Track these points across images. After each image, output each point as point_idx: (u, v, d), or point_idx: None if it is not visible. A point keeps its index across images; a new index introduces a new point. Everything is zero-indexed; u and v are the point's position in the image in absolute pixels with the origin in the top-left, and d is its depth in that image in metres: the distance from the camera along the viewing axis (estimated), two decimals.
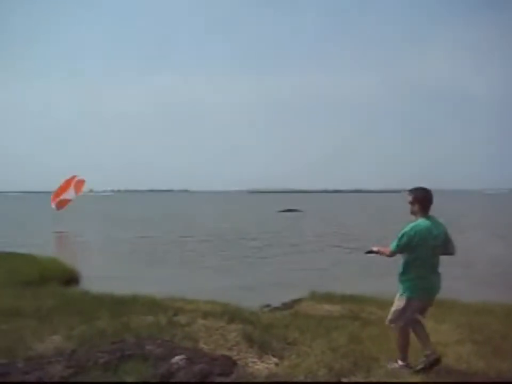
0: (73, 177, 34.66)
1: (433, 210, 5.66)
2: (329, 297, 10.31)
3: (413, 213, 5.61)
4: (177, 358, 5.59)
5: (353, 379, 5.37)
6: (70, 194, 34.06)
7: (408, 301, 5.51)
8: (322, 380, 5.37)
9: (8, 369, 5.28)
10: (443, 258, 5.64)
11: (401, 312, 5.56)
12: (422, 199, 5.57)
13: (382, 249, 5.76)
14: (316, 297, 10.44)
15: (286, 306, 10.18)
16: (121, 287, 10.54)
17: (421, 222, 5.51)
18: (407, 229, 5.49)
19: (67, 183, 34.34)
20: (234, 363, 5.75)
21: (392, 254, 5.64)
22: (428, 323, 6.26)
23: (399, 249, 5.53)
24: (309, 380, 5.34)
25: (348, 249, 23.16)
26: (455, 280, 14.96)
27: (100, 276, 15.24)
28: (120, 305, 8.63)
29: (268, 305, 10.57)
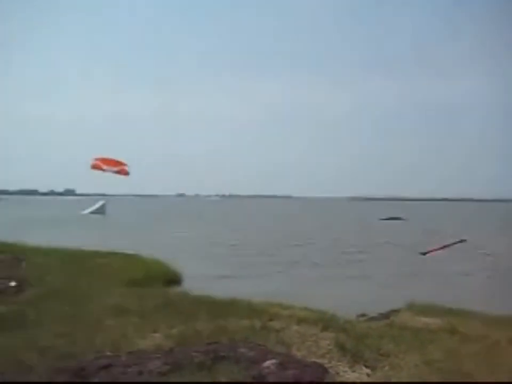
0: (123, 164, 40.63)
1: None
2: (428, 309, 9.97)
3: None
4: (268, 362, 5.70)
5: None
6: (110, 169, 39.82)
7: None
8: None
9: (111, 361, 5.66)
10: None
11: None
12: None
13: None
14: (415, 308, 10.14)
15: (383, 316, 9.97)
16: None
17: None
18: None
19: (117, 163, 40.42)
20: (325, 371, 5.77)
21: None
22: None
23: None
24: None
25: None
26: None
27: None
28: (218, 307, 8.89)
29: (364, 315, 10.44)
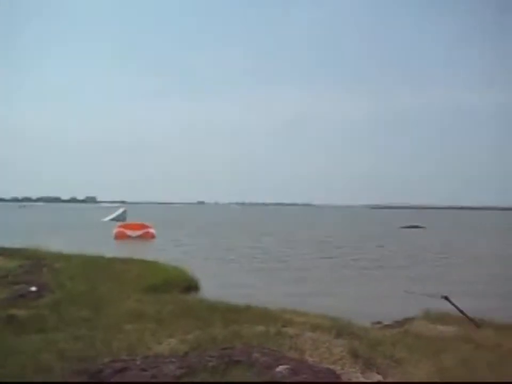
0: (147, 227, 40.25)
1: None
2: (443, 318, 9.94)
3: None
4: (281, 368, 5.77)
5: None
6: (134, 233, 38.80)
7: None
8: None
9: (127, 364, 5.79)
10: None
11: None
12: None
13: None
14: (430, 316, 10.11)
15: (398, 324, 9.98)
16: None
17: None
18: None
19: (140, 226, 40.29)
20: (337, 377, 5.83)
21: None
22: None
23: None
24: None
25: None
26: None
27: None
28: (233, 313, 9.01)
29: (379, 322, 10.45)
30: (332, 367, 6.12)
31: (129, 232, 38.97)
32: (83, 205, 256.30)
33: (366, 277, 20.91)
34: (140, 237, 38.32)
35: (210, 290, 14.18)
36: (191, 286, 15.02)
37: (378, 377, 5.93)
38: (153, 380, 5.43)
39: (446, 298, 6.01)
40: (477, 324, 6.20)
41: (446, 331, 8.82)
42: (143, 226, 40.49)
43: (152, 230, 39.75)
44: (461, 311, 5.80)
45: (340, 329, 7.72)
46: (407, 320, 10.10)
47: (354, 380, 5.85)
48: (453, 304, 5.73)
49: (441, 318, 9.98)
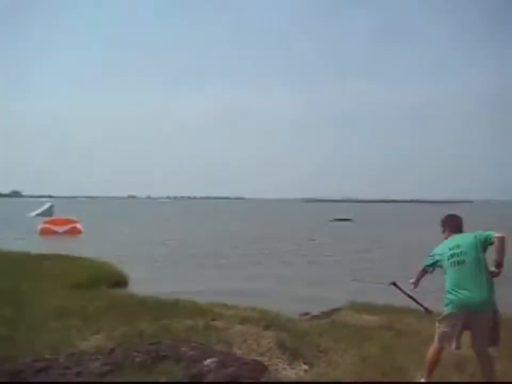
0: (74, 222, 39.27)
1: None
2: (368, 308, 10.29)
3: (445, 238, 5.62)
4: (209, 361, 5.78)
5: None
6: (60, 229, 37.75)
7: (442, 314, 5.33)
8: None
9: (50, 363, 5.63)
10: None
11: (438, 328, 5.36)
12: (447, 224, 5.65)
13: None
14: (356, 307, 10.44)
15: (325, 315, 10.22)
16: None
17: (445, 240, 5.55)
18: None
19: (66, 221, 39.16)
20: (264, 368, 5.90)
21: (422, 272, 5.71)
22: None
23: (427, 266, 5.59)
24: None
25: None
26: None
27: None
28: (162, 308, 8.92)
29: (307, 313, 10.65)
30: (259, 358, 6.20)
31: (55, 228, 37.78)
32: (7, 199, 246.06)
33: (296, 268, 21.26)
34: (66, 232, 37.19)
35: (139, 285, 14.01)
36: (119, 281, 14.74)
37: (305, 367, 6.07)
38: (76, 378, 5.30)
39: (394, 284, 6.20)
40: (428, 310, 6.41)
41: (371, 320, 9.14)
42: (69, 221, 39.38)
43: (78, 225, 38.76)
44: (410, 297, 6.01)
45: (268, 321, 7.81)
46: (334, 311, 10.36)
47: (281, 370, 5.96)
48: (402, 290, 5.94)
49: (367, 308, 10.33)
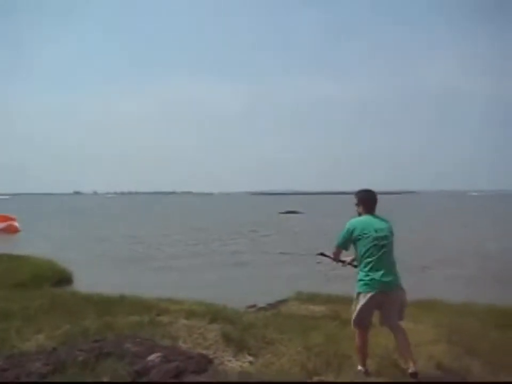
0: (11, 219, 37.18)
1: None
2: (314, 298, 10.45)
3: (359, 214, 5.76)
4: (153, 356, 5.75)
5: (323, 378, 5.52)
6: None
7: (357, 296, 5.55)
8: (294, 378, 5.52)
9: None
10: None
11: (355, 310, 5.58)
12: (365, 200, 5.75)
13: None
14: (301, 297, 10.58)
15: (271, 306, 10.31)
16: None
17: (362, 217, 5.68)
18: (347, 224, 5.65)
19: (2, 219, 36.98)
20: (209, 361, 5.92)
21: (337, 251, 5.85)
22: (405, 324, 6.28)
23: (341, 244, 5.70)
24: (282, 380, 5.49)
25: None
26: (444, 280, 15.18)
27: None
28: (106, 305, 8.77)
29: (253, 306, 10.71)
30: (204, 352, 6.21)
31: None
32: None
33: (243, 261, 21.36)
34: (2, 230, 35.23)
35: (83, 282, 13.74)
36: (62, 279, 14.41)
37: (250, 358, 6.11)
38: (16, 380, 5.15)
39: (322, 254, 6.31)
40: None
41: (316, 310, 9.28)
42: (5, 219, 37.24)
43: (15, 223, 36.72)
44: (340, 260, 6.09)
45: (214, 314, 7.81)
46: (280, 302, 10.47)
47: (226, 362, 5.98)
48: (330, 257, 6.06)
49: (312, 298, 10.49)
